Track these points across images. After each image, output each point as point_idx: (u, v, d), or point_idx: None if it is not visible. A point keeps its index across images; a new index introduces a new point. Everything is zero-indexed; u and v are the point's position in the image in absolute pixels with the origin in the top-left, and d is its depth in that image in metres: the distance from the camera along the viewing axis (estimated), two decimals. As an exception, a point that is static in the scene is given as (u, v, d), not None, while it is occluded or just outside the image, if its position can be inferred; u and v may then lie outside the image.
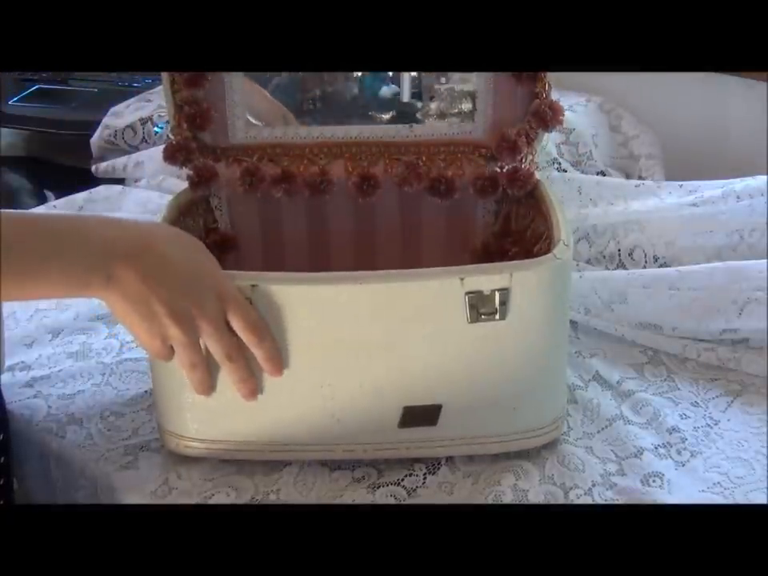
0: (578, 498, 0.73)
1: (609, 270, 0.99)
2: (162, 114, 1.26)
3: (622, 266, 0.98)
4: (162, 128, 1.26)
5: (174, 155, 0.82)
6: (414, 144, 0.85)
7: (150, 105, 1.29)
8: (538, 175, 0.84)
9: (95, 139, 1.29)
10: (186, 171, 0.84)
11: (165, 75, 0.81)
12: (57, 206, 1.18)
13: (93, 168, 1.28)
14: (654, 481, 0.74)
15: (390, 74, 0.87)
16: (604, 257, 1.00)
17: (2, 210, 0.62)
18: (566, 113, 0.85)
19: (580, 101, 1.18)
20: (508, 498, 0.73)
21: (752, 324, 0.86)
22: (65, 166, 1.37)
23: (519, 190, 0.83)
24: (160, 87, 1.32)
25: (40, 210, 1.18)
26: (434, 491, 0.74)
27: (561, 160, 1.08)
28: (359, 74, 0.87)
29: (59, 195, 1.22)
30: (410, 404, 0.72)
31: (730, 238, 0.93)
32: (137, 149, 1.27)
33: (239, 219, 0.88)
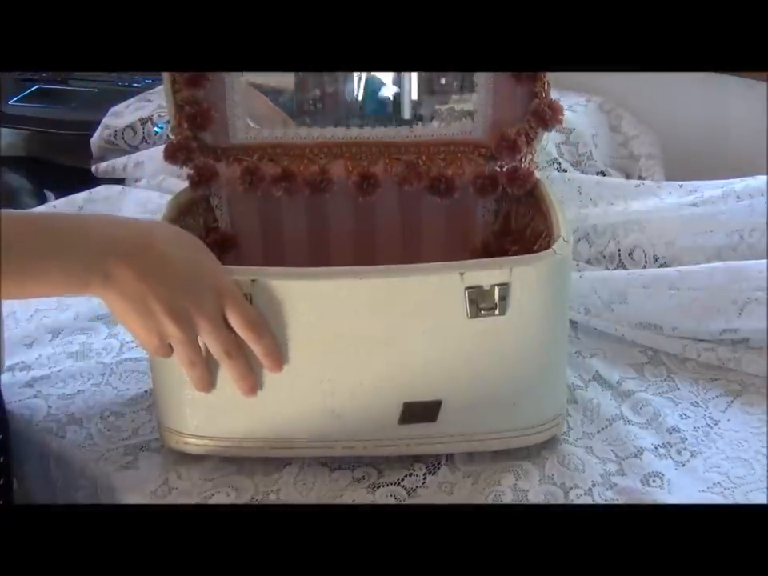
0: (578, 498, 0.73)
1: (609, 270, 0.99)
2: (162, 114, 1.26)
3: (622, 266, 0.98)
4: (162, 128, 1.26)
5: (174, 155, 0.82)
6: (413, 144, 0.85)
7: (150, 105, 1.29)
8: (537, 175, 0.84)
9: (95, 139, 1.29)
10: (186, 171, 0.84)
11: (166, 75, 0.81)
12: (57, 206, 1.18)
13: (93, 168, 1.28)
14: (653, 481, 0.74)
15: (391, 97, 0.87)
16: (604, 257, 1.00)
17: (2, 210, 0.62)
18: (566, 113, 0.85)
19: (580, 101, 1.18)
20: (508, 498, 0.73)
21: (752, 324, 0.86)
22: (65, 166, 1.37)
23: (519, 189, 0.83)
24: (160, 87, 1.33)
25: (40, 210, 1.17)
26: (434, 491, 0.74)
27: (561, 160, 1.08)
28: (361, 93, 0.87)
29: (59, 195, 1.22)
30: (409, 400, 0.72)
31: (730, 238, 0.93)
32: (137, 149, 1.27)
33: (239, 218, 0.88)
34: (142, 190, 1.20)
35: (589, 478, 0.75)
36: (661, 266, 0.96)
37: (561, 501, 0.73)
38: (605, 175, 1.11)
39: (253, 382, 0.70)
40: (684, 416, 0.82)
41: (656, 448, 0.78)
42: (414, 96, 0.87)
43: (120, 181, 1.25)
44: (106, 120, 1.28)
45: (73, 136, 1.33)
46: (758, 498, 0.72)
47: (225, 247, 0.87)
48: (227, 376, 0.69)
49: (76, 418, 0.82)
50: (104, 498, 0.77)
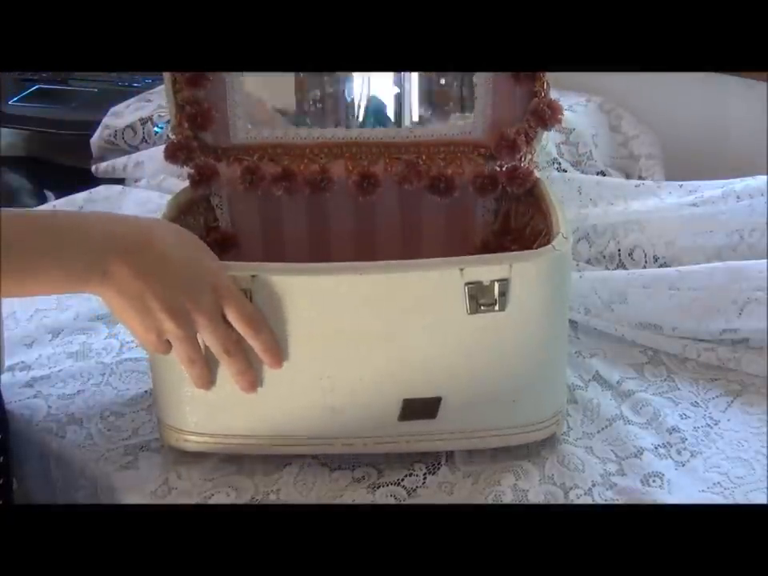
0: (578, 498, 0.73)
1: (609, 270, 0.99)
2: (162, 114, 1.26)
3: (622, 265, 0.98)
4: (162, 128, 1.26)
5: (175, 154, 0.82)
6: (413, 144, 0.85)
7: (150, 105, 1.29)
8: (537, 174, 0.84)
9: (95, 139, 1.29)
10: (186, 170, 0.84)
11: (167, 75, 0.81)
12: (57, 206, 1.18)
13: (93, 168, 1.28)
14: (654, 481, 0.74)
15: (391, 98, 0.87)
16: (604, 257, 1.00)
17: (2, 209, 0.62)
18: (566, 113, 0.85)
19: (580, 101, 1.18)
20: (508, 498, 0.73)
21: (752, 324, 0.86)
22: (65, 166, 1.37)
23: (518, 188, 0.83)
24: (160, 87, 1.33)
25: (40, 209, 1.17)
26: (434, 491, 0.74)
27: (561, 160, 1.08)
28: (361, 93, 0.87)
29: (59, 195, 1.22)
30: (409, 396, 0.72)
31: (730, 237, 0.93)
32: (137, 149, 1.27)
33: (240, 218, 0.88)
34: (142, 190, 1.20)
35: (589, 477, 0.75)
36: (661, 266, 0.96)
37: (561, 501, 0.73)
38: (605, 175, 1.11)
39: (252, 379, 0.70)
40: (684, 416, 0.82)
41: (656, 448, 0.78)
42: (414, 96, 0.87)
43: (120, 181, 1.25)
44: (105, 120, 1.28)
45: (73, 136, 1.33)
46: (758, 498, 0.72)
47: (225, 246, 0.87)
48: (227, 373, 0.69)
49: (76, 418, 0.82)
50: (104, 498, 0.77)
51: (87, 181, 1.25)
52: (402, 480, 0.75)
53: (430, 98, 0.87)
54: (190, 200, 0.85)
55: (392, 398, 0.72)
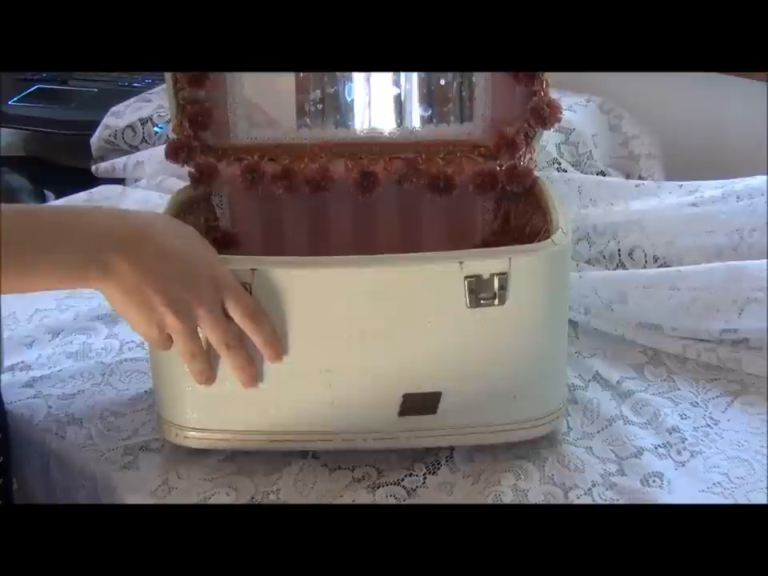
0: (578, 498, 0.73)
1: (609, 269, 0.99)
2: (162, 114, 1.26)
3: (622, 265, 0.98)
4: (161, 128, 1.26)
5: (175, 153, 0.82)
6: (413, 144, 0.85)
7: (150, 105, 1.30)
8: (537, 173, 0.84)
9: (95, 139, 1.29)
10: (187, 169, 0.84)
11: (168, 74, 0.81)
12: (57, 206, 1.18)
13: (93, 168, 1.28)
14: (653, 481, 0.74)
15: (391, 98, 0.87)
16: (604, 257, 1.00)
17: (2, 204, 0.62)
18: (566, 113, 0.85)
19: (580, 101, 1.18)
20: (508, 498, 0.73)
21: (752, 324, 0.86)
22: (65, 166, 1.37)
23: (518, 186, 0.83)
24: (160, 87, 1.33)
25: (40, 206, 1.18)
26: (434, 491, 0.74)
27: (561, 160, 1.08)
28: (362, 93, 0.87)
29: (59, 195, 1.22)
30: (409, 391, 0.72)
31: (730, 237, 0.93)
32: (137, 149, 1.27)
33: (240, 217, 0.88)
34: (142, 190, 1.20)
35: (589, 477, 0.75)
36: (661, 266, 0.96)
37: (561, 501, 0.72)
38: (605, 175, 1.11)
39: (253, 373, 0.70)
40: (684, 416, 0.82)
41: (656, 448, 0.78)
42: (414, 96, 0.87)
43: (120, 181, 1.25)
44: (106, 120, 1.28)
45: (73, 136, 1.33)
46: (758, 498, 0.72)
47: (225, 245, 0.87)
48: (227, 368, 0.69)
49: (76, 418, 0.82)
50: (104, 498, 0.77)
51: (87, 181, 1.25)
52: (402, 480, 0.75)
53: (429, 98, 0.87)
54: (191, 199, 0.85)
55: (392, 393, 0.72)
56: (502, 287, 0.69)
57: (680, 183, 1.00)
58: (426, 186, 0.84)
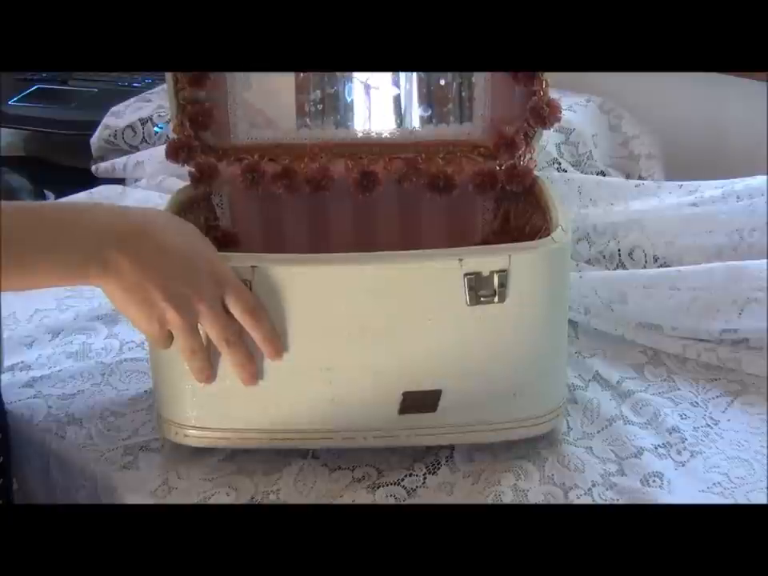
0: (578, 498, 0.73)
1: (609, 270, 0.99)
2: (162, 114, 1.26)
3: (622, 265, 0.98)
4: (161, 128, 1.26)
5: (176, 152, 0.82)
6: (413, 144, 0.85)
7: (150, 105, 1.30)
8: (537, 173, 0.84)
9: (95, 139, 1.29)
10: (187, 169, 0.84)
11: (168, 74, 0.81)
12: (57, 206, 1.18)
13: (93, 168, 1.28)
14: (653, 481, 0.74)
15: (391, 98, 0.87)
16: (604, 257, 1.00)
17: (2, 202, 0.62)
18: (566, 113, 0.85)
19: (580, 101, 1.18)
20: (508, 498, 0.73)
21: (752, 324, 0.86)
22: (65, 166, 1.37)
23: (517, 186, 0.83)
24: (160, 87, 1.33)
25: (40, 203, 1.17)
26: (434, 491, 0.74)
27: (561, 160, 1.08)
28: (362, 94, 0.87)
29: (59, 195, 1.22)
30: (409, 389, 0.72)
31: (730, 237, 0.93)
32: (137, 149, 1.27)
33: (240, 216, 0.88)
34: (142, 190, 1.20)
35: (589, 477, 0.75)
36: (661, 266, 0.96)
37: (561, 501, 0.72)
38: (605, 175, 1.11)
39: (253, 371, 0.70)
40: (684, 416, 0.82)
41: (656, 448, 0.78)
42: (414, 97, 0.87)
43: (120, 181, 1.25)
44: (106, 120, 1.28)
45: (73, 136, 1.33)
46: (758, 498, 0.72)
47: (225, 245, 0.87)
48: (227, 366, 0.69)
49: (76, 418, 0.82)
50: (104, 498, 0.77)
51: (87, 181, 1.25)
52: (402, 480, 0.75)
53: (429, 98, 0.87)
54: (191, 198, 0.85)
55: (392, 391, 0.72)
56: (502, 284, 0.69)
57: (680, 183, 1.00)
58: (426, 185, 0.84)
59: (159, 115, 1.27)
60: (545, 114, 0.80)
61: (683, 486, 0.74)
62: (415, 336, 0.71)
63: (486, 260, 0.69)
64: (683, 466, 0.76)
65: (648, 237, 0.97)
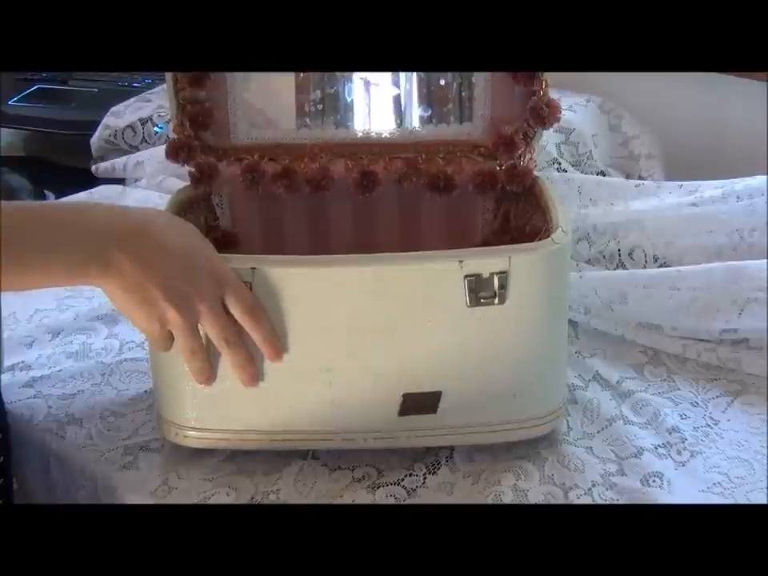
0: (578, 498, 0.73)
1: (609, 270, 0.99)
2: (162, 114, 1.26)
3: (622, 265, 0.98)
4: (161, 128, 1.26)
5: (176, 152, 0.82)
6: (413, 144, 0.85)
7: (150, 105, 1.30)
8: (537, 173, 0.84)
9: (95, 139, 1.29)
10: (187, 169, 0.84)
11: (168, 74, 0.81)
12: (57, 206, 1.18)
13: (93, 168, 1.28)
14: (653, 481, 0.74)
15: (391, 98, 0.87)
16: (604, 257, 1.00)
17: (2, 202, 0.62)
18: (566, 113, 0.85)
19: (580, 101, 1.18)
20: (508, 498, 0.73)
21: (752, 324, 0.86)
22: (65, 166, 1.37)
23: (517, 186, 0.83)
24: (160, 87, 1.33)
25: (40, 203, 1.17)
26: (434, 491, 0.74)
27: (561, 160, 1.08)
28: (362, 94, 0.87)
29: (59, 195, 1.22)
30: (409, 391, 0.72)
31: (730, 237, 0.93)
32: (137, 149, 1.27)
33: (240, 217, 0.88)
34: (142, 190, 1.20)
35: (589, 477, 0.75)
36: (661, 266, 0.96)
37: (561, 501, 0.73)
38: (605, 175, 1.11)
39: (253, 372, 0.70)
40: (684, 416, 0.82)
41: (656, 448, 0.78)
42: (414, 97, 0.87)
43: (120, 181, 1.25)
44: (106, 120, 1.28)
45: (73, 136, 1.33)
46: (758, 498, 0.72)
47: (225, 245, 0.87)
48: (227, 367, 0.69)
49: (76, 418, 0.82)
50: (104, 498, 0.77)
51: (87, 181, 1.25)
52: (402, 480, 0.75)
53: (429, 98, 0.87)
54: (191, 198, 0.85)
55: (392, 393, 0.72)
56: (502, 286, 0.69)
57: (680, 183, 1.00)
58: (426, 185, 0.84)
59: (159, 115, 1.27)
60: (544, 115, 0.80)
61: (683, 486, 0.74)
62: (415, 337, 0.71)
63: (486, 262, 0.69)
64: (683, 465, 0.76)
65: (648, 237, 0.97)
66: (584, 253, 1.00)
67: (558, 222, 0.73)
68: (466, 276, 0.69)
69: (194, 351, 0.68)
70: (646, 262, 0.97)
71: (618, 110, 1.20)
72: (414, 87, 0.87)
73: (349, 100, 0.86)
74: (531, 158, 0.83)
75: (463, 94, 0.85)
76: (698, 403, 0.84)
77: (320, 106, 0.86)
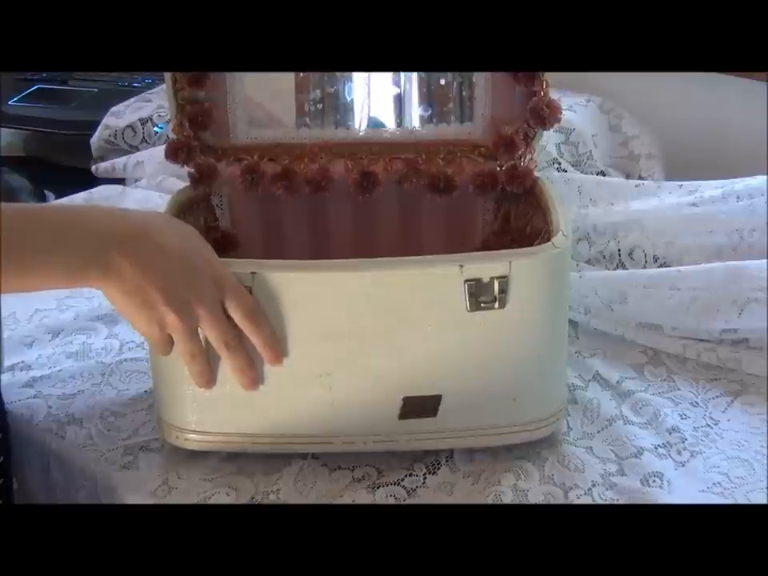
0: (578, 498, 0.73)
1: (609, 270, 0.99)
2: (162, 114, 1.26)
3: (622, 265, 0.98)
4: (161, 128, 1.26)
5: (175, 153, 0.82)
6: (413, 144, 0.85)
7: (150, 105, 1.30)
8: (537, 173, 0.84)
9: (95, 139, 1.29)
10: (187, 170, 0.84)
11: (167, 74, 0.81)
12: (57, 206, 1.18)
13: (93, 168, 1.28)
14: (653, 481, 0.74)
15: (391, 98, 0.87)
16: (604, 257, 1.00)
17: (2, 204, 0.62)
18: (566, 113, 0.85)
19: (580, 101, 1.18)
20: (508, 498, 0.73)
21: (752, 324, 0.86)
22: (65, 166, 1.37)
23: (518, 187, 0.83)
24: (160, 87, 1.33)
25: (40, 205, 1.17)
26: (433, 491, 0.74)
27: (561, 160, 1.08)
28: (362, 94, 0.87)
29: (59, 195, 1.22)
30: (409, 394, 0.72)
31: (730, 237, 0.93)
32: (137, 149, 1.27)
33: (240, 217, 0.88)
34: (142, 190, 1.20)
35: (589, 477, 0.75)
36: (661, 266, 0.96)
37: (561, 501, 0.72)
38: (605, 175, 1.11)
39: (253, 376, 0.70)
40: (684, 416, 0.82)
41: (656, 448, 0.78)
42: (414, 96, 0.87)
43: (120, 181, 1.25)
44: (105, 120, 1.28)
45: (73, 136, 1.33)
46: (758, 498, 0.72)
47: (225, 246, 0.87)
48: (227, 371, 0.69)
49: (76, 418, 0.82)
50: (104, 498, 0.77)
51: (87, 181, 1.25)
52: (402, 480, 0.75)
53: (429, 97, 0.87)
54: (190, 199, 0.85)
55: (392, 396, 0.72)
56: (503, 291, 0.69)
57: (680, 183, 1.00)
58: (426, 186, 0.84)
59: (159, 115, 1.27)
60: (545, 115, 0.80)
61: (683, 486, 0.74)
62: (415, 342, 0.70)
63: (487, 266, 0.69)
64: (683, 466, 0.76)
65: (648, 237, 0.97)
66: (584, 253, 1.00)
67: (559, 225, 0.73)
68: (466, 280, 0.69)
69: (193, 355, 0.68)
70: (645, 261, 0.97)
71: (618, 110, 1.20)
72: (413, 87, 0.87)
73: (349, 100, 0.86)
74: (531, 159, 0.83)
75: (463, 93, 0.85)
76: (697, 403, 0.84)
77: (320, 106, 0.86)
